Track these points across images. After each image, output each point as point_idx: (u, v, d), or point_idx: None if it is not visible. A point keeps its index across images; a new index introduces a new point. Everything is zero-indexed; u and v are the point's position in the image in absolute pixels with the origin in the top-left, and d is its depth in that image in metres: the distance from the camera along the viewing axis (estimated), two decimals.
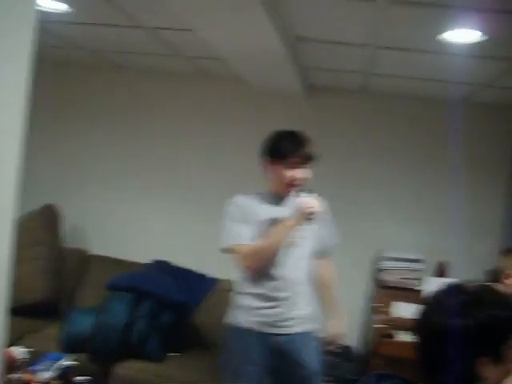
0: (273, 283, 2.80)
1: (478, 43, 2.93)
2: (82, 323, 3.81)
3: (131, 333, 3.78)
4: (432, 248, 4.29)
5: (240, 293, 2.92)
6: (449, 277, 4.09)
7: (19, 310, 3.88)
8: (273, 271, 2.80)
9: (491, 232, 4.34)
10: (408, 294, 3.98)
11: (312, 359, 2.89)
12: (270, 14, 2.67)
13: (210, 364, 3.82)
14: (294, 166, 2.75)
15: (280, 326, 2.81)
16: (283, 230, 2.73)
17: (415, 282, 4.10)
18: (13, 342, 3.45)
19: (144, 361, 3.75)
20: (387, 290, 4.12)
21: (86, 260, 4.68)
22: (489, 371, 1.38)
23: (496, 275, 3.04)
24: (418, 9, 2.59)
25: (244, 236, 2.79)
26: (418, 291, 3.97)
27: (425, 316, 1.50)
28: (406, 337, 3.61)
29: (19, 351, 2.96)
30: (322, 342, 2.98)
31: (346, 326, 3.00)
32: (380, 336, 3.81)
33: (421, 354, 1.48)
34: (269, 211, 2.83)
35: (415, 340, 1.50)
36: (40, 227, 4.47)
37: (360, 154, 4.57)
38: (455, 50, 3.08)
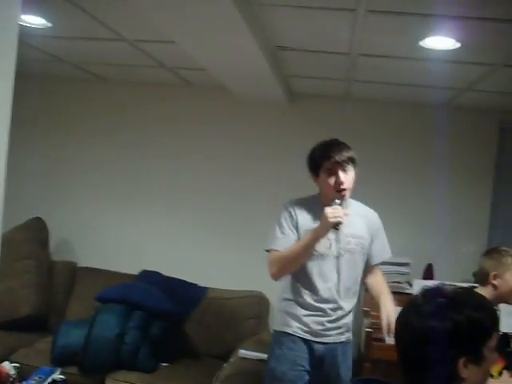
0: (319, 294, 2.83)
1: (456, 49, 2.97)
2: (73, 336, 3.81)
3: (122, 344, 3.78)
4: (419, 251, 4.31)
5: (287, 299, 2.93)
6: (436, 279, 4.12)
7: (9, 325, 3.91)
8: (320, 281, 2.83)
9: (477, 234, 4.39)
10: (397, 297, 3.99)
11: (348, 370, 2.94)
12: (250, 25, 2.70)
13: (201, 373, 3.84)
14: (331, 172, 2.76)
15: (324, 336, 2.85)
16: (307, 240, 2.73)
17: (404, 285, 4.12)
18: (4, 357, 3.47)
19: (135, 372, 3.75)
20: None
21: (74, 272, 4.67)
22: (468, 372, 1.41)
23: (483, 277, 3.06)
24: (395, 17, 2.64)
25: (281, 242, 2.82)
26: (408, 294, 3.99)
27: (404, 319, 1.52)
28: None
29: (11, 366, 2.96)
30: (379, 328, 2.98)
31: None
32: (370, 340, 3.82)
33: (401, 357, 1.51)
34: (312, 221, 2.83)
35: (395, 342, 1.53)
36: (28, 240, 4.46)
37: None
38: (434, 56, 3.13)
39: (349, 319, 2.95)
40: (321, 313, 2.84)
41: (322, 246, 2.80)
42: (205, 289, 4.45)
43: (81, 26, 3.33)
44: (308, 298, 2.85)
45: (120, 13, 3.00)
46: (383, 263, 4.21)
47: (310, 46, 3.30)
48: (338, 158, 2.74)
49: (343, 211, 2.70)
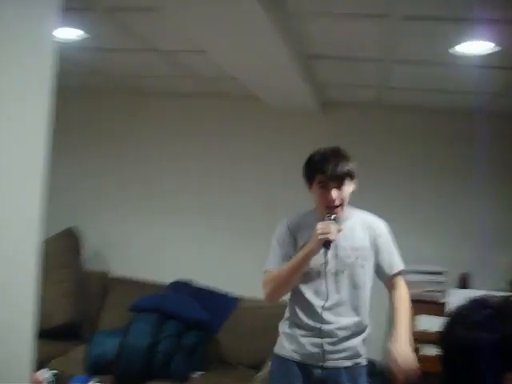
0: (317, 314, 2.59)
1: (491, 54, 2.93)
2: (107, 345, 3.84)
3: (156, 353, 3.79)
4: (453, 259, 4.24)
5: (285, 320, 2.75)
6: (471, 288, 4.05)
7: (45, 333, 3.92)
8: (318, 300, 2.61)
9: None
10: (431, 306, 3.94)
11: None
12: (282, 35, 2.69)
13: (235, 382, 3.83)
14: (323, 186, 2.55)
15: (325, 360, 2.58)
16: (299, 257, 2.54)
17: (438, 294, 4.07)
18: (40, 366, 3.49)
19: (169, 381, 3.75)
20: (410, 304, 4.08)
21: (108, 282, 4.71)
22: None
23: None
24: (429, 23, 2.61)
25: (275, 262, 2.66)
26: (442, 304, 3.93)
27: (450, 330, 1.47)
28: (430, 351, 3.57)
29: (46, 375, 2.98)
30: (386, 371, 2.69)
31: (410, 349, 2.53)
32: None
33: (445, 369, 1.46)
34: (310, 237, 2.56)
35: (439, 354, 1.49)
36: (63, 250, 4.52)
37: (378, 167, 4.56)
38: (468, 62, 3.09)
39: (356, 342, 2.64)
40: (319, 334, 2.59)
41: (317, 263, 2.56)
42: (236, 299, 4.44)
43: (116, 37, 3.37)
44: (305, 318, 2.63)
45: (152, 23, 3.04)
46: (416, 272, 4.19)
47: (343, 54, 3.29)
48: (331, 173, 2.51)
49: (336, 227, 2.49)
